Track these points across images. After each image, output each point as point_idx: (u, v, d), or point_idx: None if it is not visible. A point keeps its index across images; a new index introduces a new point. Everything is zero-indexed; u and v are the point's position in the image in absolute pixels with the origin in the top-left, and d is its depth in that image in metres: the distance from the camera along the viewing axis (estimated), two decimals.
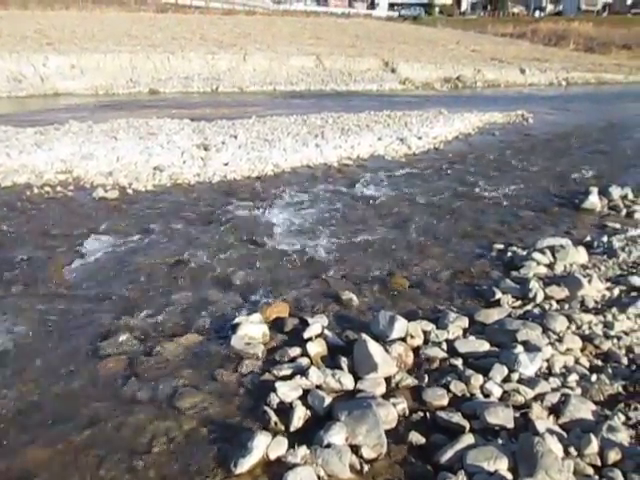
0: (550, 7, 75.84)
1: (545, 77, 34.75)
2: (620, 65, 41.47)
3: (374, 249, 6.67)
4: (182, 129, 14.12)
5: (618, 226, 7.00)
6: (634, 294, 4.81)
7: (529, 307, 4.77)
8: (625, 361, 3.81)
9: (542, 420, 3.13)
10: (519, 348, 3.97)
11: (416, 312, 4.88)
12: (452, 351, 4.12)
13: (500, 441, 3.03)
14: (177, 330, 4.51)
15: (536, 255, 5.77)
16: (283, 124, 15.58)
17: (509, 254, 6.18)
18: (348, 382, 3.65)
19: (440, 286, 5.49)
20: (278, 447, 3.01)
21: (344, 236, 7.07)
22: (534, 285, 5.01)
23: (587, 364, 3.83)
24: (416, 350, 4.14)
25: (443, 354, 4.09)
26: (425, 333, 4.42)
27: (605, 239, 6.31)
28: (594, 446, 2.88)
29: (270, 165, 10.99)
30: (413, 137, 14.32)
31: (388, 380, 3.71)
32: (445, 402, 3.48)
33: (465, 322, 4.62)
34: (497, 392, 3.51)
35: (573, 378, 3.63)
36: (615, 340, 4.05)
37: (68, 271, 5.55)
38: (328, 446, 2.96)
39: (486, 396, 3.50)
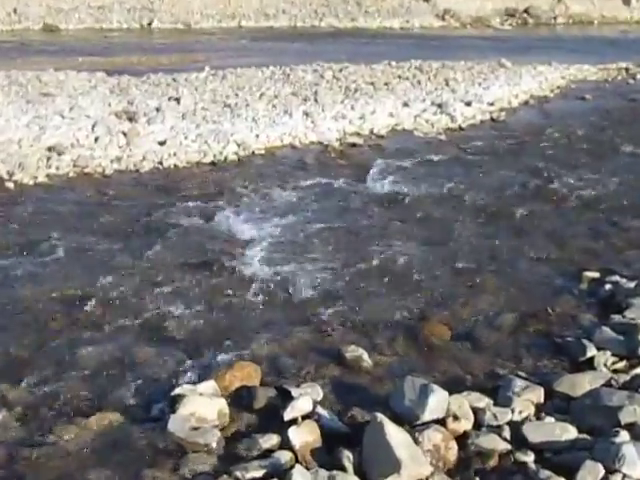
0: None
1: None
2: None
3: (396, 278, 6.71)
4: (94, 88, 14.17)
5: None
6: None
7: (639, 371, 4.83)
8: None
9: None
10: (623, 435, 3.96)
11: (462, 379, 4.97)
12: (519, 440, 4.15)
13: None
14: (82, 406, 4.56)
15: None
16: (253, 80, 15.69)
17: (608, 287, 6.28)
18: None
19: (500, 337, 5.60)
20: None
21: (349, 258, 7.12)
22: None
23: None
24: (462, 439, 4.16)
25: (505, 445, 4.09)
26: (476, 412, 4.43)
27: None
28: None
29: (232, 145, 11.09)
30: (458, 103, 14.48)
31: None
32: None
33: (539, 394, 4.66)
34: None
35: None
36: None
37: None
38: None
39: None
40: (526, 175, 9.97)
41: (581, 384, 4.69)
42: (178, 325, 5.78)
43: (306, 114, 13.02)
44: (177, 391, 4.59)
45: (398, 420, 4.19)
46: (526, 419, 4.39)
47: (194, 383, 4.73)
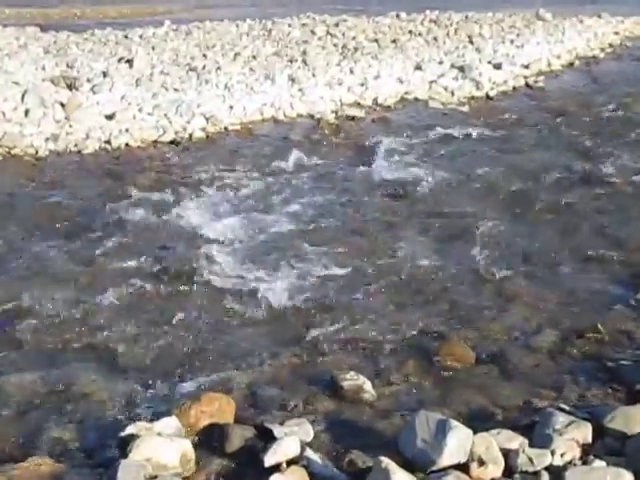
0: None
1: None
2: None
3: (406, 287, 6.75)
4: (23, 47, 14.13)
5: None
6: None
7: None
8: None
9: None
10: None
11: (490, 413, 4.99)
12: None
13: None
14: (10, 450, 4.56)
15: None
16: (226, 37, 15.68)
17: None
18: None
19: (537, 361, 5.62)
20: None
21: (346, 261, 7.14)
22: None
23: None
24: None
25: None
26: (508, 455, 4.38)
27: None
28: None
29: (199, 119, 11.23)
30: (485, 65, 14.52)
31: None
32: None
33: (586, 432, 4.60)
34: None
35: None
36: None
37: None
38: None
39: None
40: (570, 156, 10.03)
41: (639, 419, 4.66)
42: (130, 347, 5.77)
43: (292, 80, 13.04)
44: (129, 430, 4.52)
45: (409, 466, 4.18)
46: (570, 463, 4.37)
47: (151, 420, 4.71)
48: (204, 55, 14.43)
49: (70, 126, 10.88)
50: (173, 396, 5.22)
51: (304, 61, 14.14)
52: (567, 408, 4.91)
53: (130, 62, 13.51)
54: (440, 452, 4.25)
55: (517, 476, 4.32)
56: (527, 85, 13.98)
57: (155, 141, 10.71)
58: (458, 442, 4.29)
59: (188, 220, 8.02)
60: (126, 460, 4.29)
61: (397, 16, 18.46)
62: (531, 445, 4.52)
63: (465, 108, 12.48)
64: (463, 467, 4.25)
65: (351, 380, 5.34)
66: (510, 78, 14.10)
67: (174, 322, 6.20)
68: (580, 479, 4.21)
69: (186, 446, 4.48)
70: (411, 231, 7.83)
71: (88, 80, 12.37)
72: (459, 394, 5.28)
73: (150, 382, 5.43)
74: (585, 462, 4.41)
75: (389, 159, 9.76)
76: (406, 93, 13.15)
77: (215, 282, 6.84)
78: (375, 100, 12.74)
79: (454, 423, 4.38)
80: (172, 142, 10.76)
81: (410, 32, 16.88)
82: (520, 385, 5.39)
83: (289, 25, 17.15)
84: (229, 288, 6.72)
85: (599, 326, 6.09)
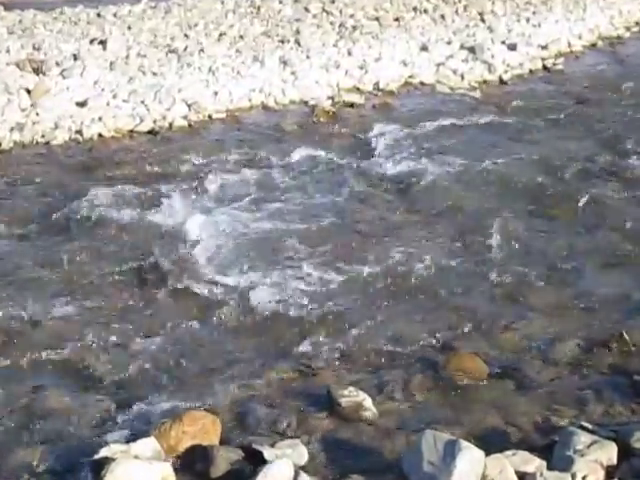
0: None
1: None
2: None
3: (410, 292, 6.75)
4: None
5: None
6: None
7: None
8: None
9: None
10: None
11: (504, 432, 4.97)
12: None
13: None
14: None
15: None
16: (209, 15, 15.57)
17: None
18: None
19: (556, 374, 5.61)
20: None
21: (344, 265, 7.15)
22: None
23: None
24: None
25: None
26: (523, 478, 4.38)
27: None
28: None
29: (180, 106, 11.19)
30: (498, 45, 14.47)
31: None
32: None
33: (610, 453, 4.59)
34: None
35: None
36: None
37: None
38: None
39: None
40: (593, 146, 10.00)
41: None
42: (104, 360, 5.76)
43: (284, 62, 13.02)
44: (104, 452, 4.52)
45: None
46: None
47: (127, 441, 4.69)
48: (185, 35, 14.41)
49: (37, 114, 10.86)
50: (152, 415, 5.19)
51: (297, 41, 14.12)
52: (590, 426, 4.88)
53: (103, 43, 13.47)
54: (449, 475, 4.23)
55: None
56: (545, 68, 13.96)
57: (131, 131, 10.69)
58: (469, 465, 4.27)
59: (168, 218, 8.00)
60: None
61: None
62: (550, 467, 4.51)
63: (476, 93, 12.45)
64: None
65: (350, 396, 5.31)
66: (526, 60, 14.08)
67: (152, 332, 6.19)
68: None
69: (166, 470, 4.45)
70: (415, 230, 7.82)
71: (57, 64, 12.33)
72: (470, 412, 5.25)
73: (126, 399, 5.40)
74: None
75: (391, 150, 9.73)
76: (410, 77, 13.13)
77: (197, 287, 6.83)
78: (376, 85, 12.72)
79: (464, 444, 4.36)
80: (150, 132, 10.74)
81: (415, 9, 16.84)
82: (538, 401, 5.35)
83: (280, 2, 17.11)
84: (213, 294, 6.71)
85: (625, 335, 6.05)
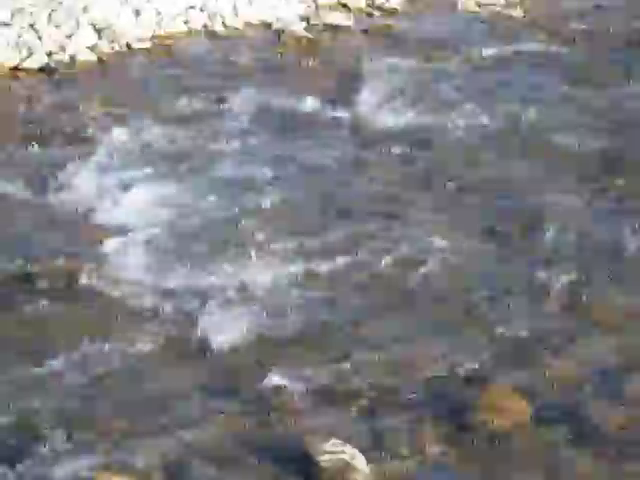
0: None
1: None
2: None
3: (418, 301, 6.12)
4: None
5: None
6: None
7: None
8: None
9: None
10: None
11: None
12: None
13: None
14: None
15: None
16: None
17: None
18: None
19: (628, 418, 4.93)
20: None
21: (325, 260, 6.44)
22: None
23: None
24: None
25: None
26: None
27: None
28: None
29: (86, 31, 10.17)
30: None
31: None
32: None
33: None
34: None
35: None
36: None
37: None
38: None
39: None
40: None
41: None
42: (24, 398, 5.05)
43: None
44: None
45: None
46: None
47: None
48: None
49: None
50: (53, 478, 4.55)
51: None
52: None
53: None
54: None
55: None
56: None
57: (16, 68, 9.46)
58: None
59: (73, 196, 7.18)
60: None
61: None
62: None
63: (516, 11, 11.16)
64: None
65: (333, 453, 4.66)
66: None
67: (56, 357, 5.43)
68: None
69: None
70: (428, 211, 6.97)
71: None
72: (505, 471, 4.63)
73: (17, 456, 4.63)
74: None
75: (393, 97, 8.79)
76: None
77: (115, 293, 6.16)
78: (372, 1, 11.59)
79: None
80: (43, 70, 9.53)
81: None
82: (603, 456, 4.67)
83: None
84: (137, 302, 6.05)
85: None
